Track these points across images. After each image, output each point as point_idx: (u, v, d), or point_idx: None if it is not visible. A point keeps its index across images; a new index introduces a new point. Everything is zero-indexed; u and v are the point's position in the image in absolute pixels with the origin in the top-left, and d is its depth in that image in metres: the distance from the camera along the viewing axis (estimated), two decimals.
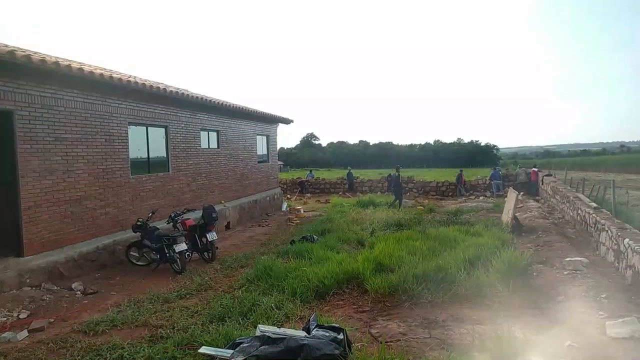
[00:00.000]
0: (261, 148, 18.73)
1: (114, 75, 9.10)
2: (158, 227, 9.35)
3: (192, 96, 12.20)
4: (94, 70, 8.43)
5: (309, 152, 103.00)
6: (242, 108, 15.47)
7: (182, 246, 8.67)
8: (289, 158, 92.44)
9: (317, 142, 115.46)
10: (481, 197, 24.47)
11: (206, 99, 12.92)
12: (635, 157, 50.15)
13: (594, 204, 11.12)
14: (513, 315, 5.65)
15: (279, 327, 4.40)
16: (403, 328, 5.40)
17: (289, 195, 27.03)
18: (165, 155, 11.60)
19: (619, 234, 7.64)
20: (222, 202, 14.24)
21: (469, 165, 53.75)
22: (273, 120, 19.59)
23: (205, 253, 9.67)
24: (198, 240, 9.60)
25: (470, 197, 25.06)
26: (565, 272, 7.28)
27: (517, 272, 6.64)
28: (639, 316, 5.07)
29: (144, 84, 9.81)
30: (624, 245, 7.20)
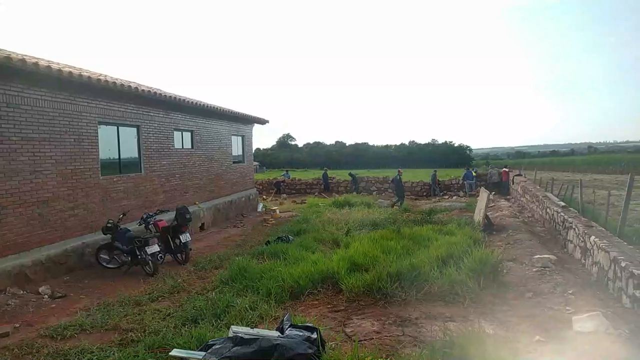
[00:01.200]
0: (236, 148, 18.58)
1: (83, 73, 8.88)
2: (129, 228, 9.17)
3: (165, 95, 12.01)
4: (62, 68, 8.20)
5: (285, 152, 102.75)
6: (217, 108, 15.31)
7: (154, 248, 8.52)
8: (265, 159, 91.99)
9: (293, 143, 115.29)
10: (454, 197, 24.88)
11: (180, 99, 12.74)
12: (602, 158, 51.92)
13: (562, 203, 11.45)
14: (484, 311, 5.77)
15: (252, 328, 4.37)
16: (377, 326, 5.44)
17: (264, 196, 26.91)
18: (137, 156, 11.38)
19: (586, 231, 7.89)
20: (197, 203, 14.07)
21: (443, 166, 54.58)
22: (248, 121, 19.46)
23: (179, 255, 9.53)
24: (171, 242, 9.46)
25: (444, 196, 25.46)
26: (534, 269, 7.47)
27: (487, 270, 6.77)
28: (604, 311, 5.25)
29: (114, 82, 9.60)
30: (590, 243, 7.44)
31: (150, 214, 9.76)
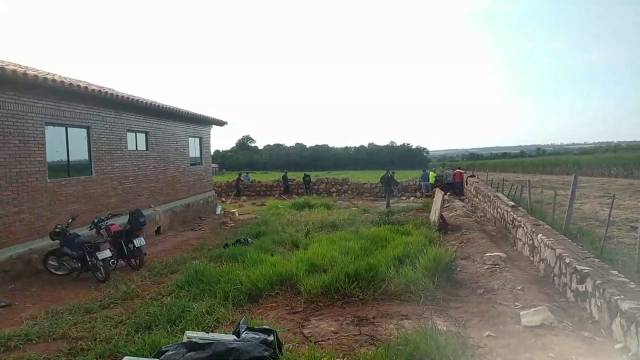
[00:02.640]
0: (194, 150, 18.23)
1: (29, 72, 8.46)
2: (79, 233, 8.80)
3: (117, 95, 11.61)
4: (5, 66, 7.79)
5: (245, 154, 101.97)
6: (172, 109, 14.97)
7: (105, 253, 8.24)
8: (225, 161, 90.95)
9: (253, 145, 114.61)
10: (412, 198, 25.42)
11: (133, 99, 12.35)
12: (550, 159, 54.41)
13: (512, 203, 11.93)
14: (438, 309, 5.93)
15: (208, 333, 4.29)
16: (335, 327, 5.47)
17: (223, 199, 26.56)
18: (87, 158, 10.95)
19: (534, 230, 8.25)
20: (152, 206, 13.69)
21: (401, 167, 55.73)
22: (206, 122, 19.14)
23: (133, 260, 9.26)
24: (124, 247, 9.16)
25: (402, 197, 25.94)
26: (486, 267, 7.75)
27: (441, 268, 6.96)
28: (550, 305, 5.52)
29: (62, 81, 9.20)
30: (538, 241, 7.79)
31: (102, 218, 9.43)
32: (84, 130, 10.82)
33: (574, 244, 7.16)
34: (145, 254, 9.59)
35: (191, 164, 17.67)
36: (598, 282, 5.10)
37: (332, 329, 5.41)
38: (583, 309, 5.49)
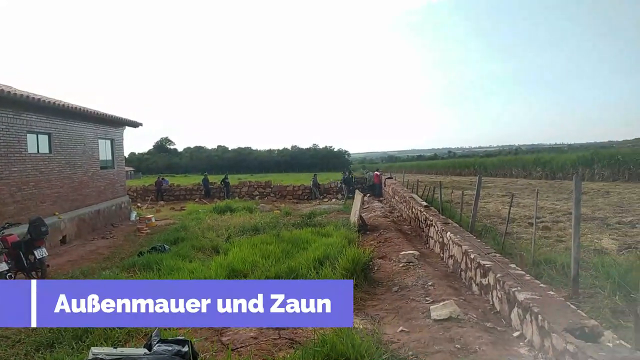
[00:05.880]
0: (104, 153, 17.13)
1: None
2: None
3: (14, 94, 10.59)
4: None
5: (163, 157, 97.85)
6: (79, 108, 13.95)
7: (1, 267, 7.48)
8: (142, 164, 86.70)
9: (172, 147, 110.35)
10: (334, 200, 25.90)
11: (33, 98, 11.34)
12: (459, 161, 58.01)
13: (425, 203, 12.59)
14: (355, 308, 6.06)
15: (117, 348, 4.04)
16: (255, 332, 5.40)
17: (139, 204, 25.28)
18: None
19: (443, 228, 8.76)
20: (56, 213, 12.67)
21: (323, 170, 56.60)
22: (118, 123, 18.08)
23: (33, 272, 8.49)
24: (24, 259, 8.37)
25: (324, 199, 26.36)
26: (401, 265, 8.09)
27: (360, 268, 7.16)
28: (457, 299, 5.88)
29: None
30: (447, 238, 8.28)
31: None
32: None
33: (479, 240, 7.70)
34: (48, 265, 8.83)
35: (101, 168, 16.60)
36: (499, 275, 5.52)
37: (251, 334, 5.34)
38: (486, 301, 5.91)
